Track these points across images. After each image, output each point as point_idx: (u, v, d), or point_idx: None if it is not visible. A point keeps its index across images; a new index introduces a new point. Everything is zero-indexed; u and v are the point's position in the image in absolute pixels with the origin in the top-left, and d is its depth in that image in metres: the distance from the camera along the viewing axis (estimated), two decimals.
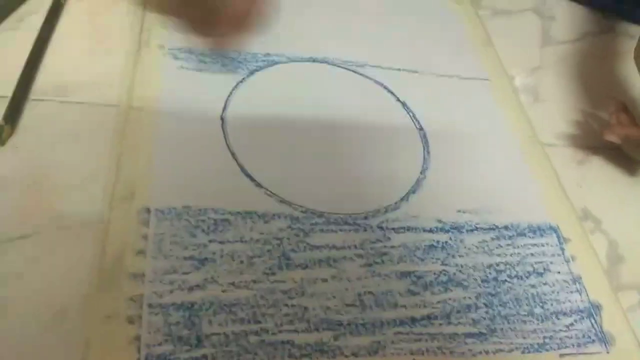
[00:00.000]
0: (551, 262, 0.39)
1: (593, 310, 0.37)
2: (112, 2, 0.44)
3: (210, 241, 0.33)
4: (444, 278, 0.36)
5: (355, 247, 0.35)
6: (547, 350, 0.34)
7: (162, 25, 0.43)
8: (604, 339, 0.36)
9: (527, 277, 0.37)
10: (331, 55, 0.47)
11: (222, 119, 0.39)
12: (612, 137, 0.46)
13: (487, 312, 0.35)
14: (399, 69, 0.48)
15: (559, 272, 0.38)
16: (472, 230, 0.39)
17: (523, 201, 0.42)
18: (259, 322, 0.31)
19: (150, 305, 0.30)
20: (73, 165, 0.34)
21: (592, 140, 0.49)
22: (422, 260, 0.36)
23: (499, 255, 0.38)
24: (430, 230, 0.38)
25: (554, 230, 0.41)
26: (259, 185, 0.37)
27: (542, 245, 0.39)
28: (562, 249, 0.40)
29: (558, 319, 0.36)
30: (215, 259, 0.33)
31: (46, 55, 0.39)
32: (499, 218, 0.40)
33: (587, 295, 0.38)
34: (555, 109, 0.51)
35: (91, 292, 0.30)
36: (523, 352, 0.34)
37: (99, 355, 0.28)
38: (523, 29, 0.59)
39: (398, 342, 0.32)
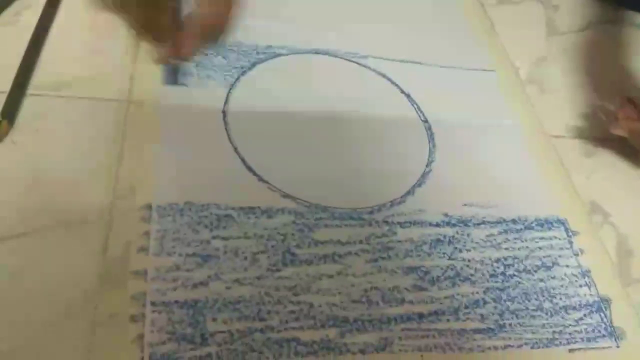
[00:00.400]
0: (559, 256, 0.38)
1: (602, 305, 0.36)
2: None
3: (213, 237, 0.33)
4: (451, 273, 0.35)
5: (361, 242, 0.35)
6: (556, 345, 0.34)
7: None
8: (614, 334, 0.35)
9: (535, 271, 0.37)
10: (334, 47, 0.46)
11: (223, 112, 0.39)
12: (619, 131, 0.45)
13: (495, 307, 0.34)
14: (402, 61, 0.47)
15: (567, 266, 0.38)
16: (479, 224, 0.38)
17: (530, 194, 0.41)
18: (264, 319, 0.30)
19: (153, 303, 0.29)
20: (73, 161, 0.34)
21: (600, 131, 0.48)
22: (429, 255, 0.36)
23: (506, 249, 0.37)
24: (437, 225, 0.37)
25: (562, 223, 0.40)
26: (262, 179, 0.36)
27: (551, 239, 0.39)
28: (571, 243, 0.39)
29: (567, 313, 0.35)
30: (218, 256, 0.32)
31: (44, 49, 0.39)
32: (506, 211, 0.39)
33: (597, 289, 0.37)
34: (562, 100, 0.50)
35: (93, 291, 0.29)
36: (532, 347, 0.33)
37: (103, 355, 0.27)
38: (528, 18, 0.58)
39: (405, 339, 0.31)
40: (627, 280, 0.39)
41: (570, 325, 0.35)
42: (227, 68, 0.42)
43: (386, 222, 0.36)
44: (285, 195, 0.36)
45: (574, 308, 0.36)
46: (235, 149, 0.37)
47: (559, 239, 0.39)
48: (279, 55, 0.44)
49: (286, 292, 0.32)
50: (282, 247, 0.33)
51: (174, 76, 0.36)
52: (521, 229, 0.39)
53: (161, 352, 0.28)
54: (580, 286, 0.37)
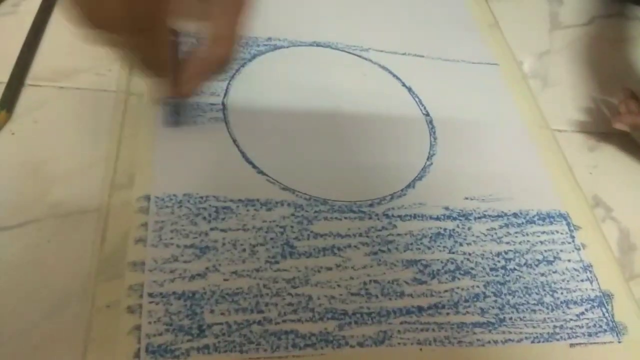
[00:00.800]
0: (561, 250, 0.38)
1: (604, 300, 0.36)
2: None
3: (211, 229, 0.32)
4: (451, 266, 0.35)
5: (361, 235, 0.35)
6: (557, 339, 0.33)
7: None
8: (616, 329, 0.35)
9: (536, 266, 0.36)
10: (334, 40, 0.46)
11: (223, 104, 0.38)
12: (621, 126, 0.45)
13: (495, 301, 0.34)
14: (404, 54, 0.47)
15: (569, 261, 0.37)
16: (480, 218, 0.38)
17: (532, 188, 0.41)
18: (262, 311, 0.30)
19: (150, 295, 0.29)
20: (71, 152, 0.34)
21: (603, 126, 0.48)
22: (429, 248, 0.35)
23: (507, 243, 0.37)
24: (437, 218, 0.37)
25: (564, 217, 0.40)
26: (261, 172, 0.36)
27: (552, 233, 0.39)
28: (573, 237, 0.39)
29: (568, 308, 0.35)
30: (217, 247, 0.32)
31: (43, 40, 0.39)
32: (507, 205, 0.39)
33: (598, 284, 0.37)
34: (565, 94, 0.50)
35: (90, 281, 0.29)
36: (533, 342, 0.33)
37: (99, 346, 0.27)
38: (531, 12, 0.58)
39: (404, 332, 0.31)
40: (629, 275, 0.38)
41: (571, 320, 0.35)
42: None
43: (386, 215, 0.36)
44: (285, 188, 0.35)
45: (575, 303, 0.35)
46: (235, 141, 0.37)
47: (561, 233, 0.39)
48: (280, 47, 0.44)
49: (285, 285, 0.31)
50: (281, 239, 0.33)
51: (174, 117, 0.35)
52: (522, 223, 0.38)
53: (158, 343, 0.28)
54: (582, 281, 0.37)
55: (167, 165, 0.34)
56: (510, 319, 0.33)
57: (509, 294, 0.35)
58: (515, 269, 0.36)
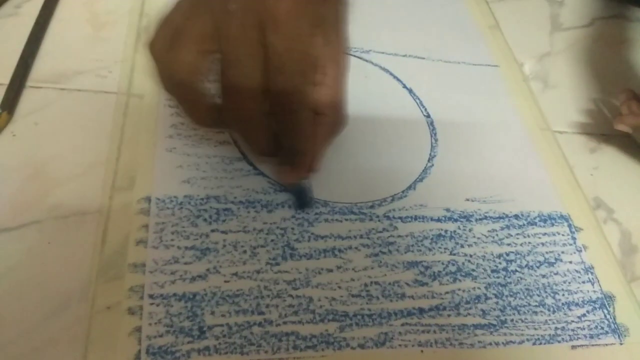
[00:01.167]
0: (562, 252, 0.38)
1: (606, 301, 0.36)
2: None
3: (212, 231, 0.32)
4: (452, 268, 0.35)
5: (361, 236, 0.35)
6: (558, 341, 0.33)
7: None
8: (617, 330, 0.35)
9: (538, 267, 0.36)
10: None
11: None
12: (623, 127, 0.44)
13: (497, 303, 0.34)
14: (405, 55, 0.47)
15: (570, 262, 0.37)
16: (481, 219, 0.38)
17: (533, 190, 0.41)
18: (263, 313, 0.30)
19: (151, 296, 0.29)
20: (72, 153, 0.34)
21: (604, 127, 0.48)
22: (430, 249, 0.35)
23: (509, 244, 0.37)
24: (438, 219, 0.37)
25: (566, 219, 0.40)
26: (262, 173, 0.36)
27: (553, 235, 0.38)
28: (574, 239, 0.39)
29: (570, 309, 0.35)
30: (217, 249, 0.32)
31: (44, 41, 0.39)
32: (508, 207, 0.39)
33: (600, 285, 0.37)
34: (566, 96, 0.50)
35: (91, 283, 0.29)
36: (534, 344, 0.33)
37: (100, 347, 0.27)
38: (531, 14, 0.58)
39: (405, 334, 0.31)
40: (631, 276, 0.38)
41: (573, 321, 0.34)
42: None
43: (387, 217, 0.36)
44: (285, 190, 0.35)
45: (577, 304, 0.35)
46: (236, 143, 0.37)
47: (562, 234, 0.39)
48: None
49: (285, 286, 0.31)
50: (281, 241, 0.33)
51: (302, 198, 0.34)
52: (524, 225, 0.38)
53: (158, 344, 0.28)
54: (584, 282, 0.37)
55: (168, 167, 0.34)
56: (512, 320, 0.33)
57: (510, 296, 0.34)
58: (516, 271, 0.36)
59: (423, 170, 0.39)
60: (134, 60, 0.39)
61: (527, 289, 0.35)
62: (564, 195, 0.41)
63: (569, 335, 0.34)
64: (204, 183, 0.34)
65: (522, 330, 0.33)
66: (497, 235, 0.37)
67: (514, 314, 0.34)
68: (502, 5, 0.56)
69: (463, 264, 0.35)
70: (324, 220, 0.35)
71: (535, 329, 0.33)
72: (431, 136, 0.42)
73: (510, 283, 0.35)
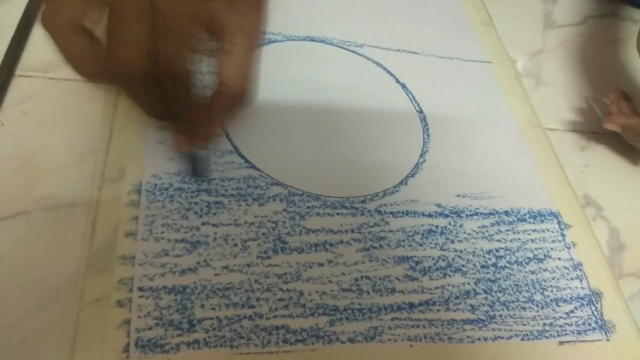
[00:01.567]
0: (552, 249, 0.38)
1: (594, 298, 0.36)
2: None
3: (203, 224, 0.32)
4: (442, 263, 0.35)
5: (353, 231, 0.35)
6: (546, 337, 0.34)
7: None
8: (605, 327, 0.35)
9: (527, 263, 0.37)
10: (329, 35, 0.46)
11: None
12: (612, 126, 0.45)
13: (486, 299, 0.34)
14: (398, 50, 0.47)
15: (559, 259, 0.38)
16: (471, 215, 0.38)
17: (524, 186, 0.41)
18: (253, 306, 0.30)
19: (140, 289, 0.29)
20: (61, 144, 0.33)
21: (595, 125, 0.48)
22: (421, 245, 0.35)
23: (498, 240, 0.37)
24: (429, 215, 0.37)
25: (555, 216, 0.40)
26: (253, 166, 0.36)
27: (543, 231, 0.39)
28: (563, 235, 0.39)
29: (558, 306, 0.35)
30: (208, 242, 0.32)
31: (33, 30, 0.38)
32: (499, 203, 0.39)
33: (588, 282, 0.37)
34: (558, 93, 0.50)
35: (80, 275, 0.29)
36: (522, 339, 0.33)
37: (88, 340, 0.27)
38: (525, 11, 0.58)
39: (395, 328, 0.31)
40: (619, 273, 0.39)
41: (560, 317, 0.35)
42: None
43: (378, 212, 0.36)
44: (277, 183, 0.35)
45: (565, 301, 0.36)
46: (227, 135, 0.37)
47: (552, 231, 0.39)
48: (274, 41, 0.43)
49: (276, 280, 0.31)
50: (272, 234, 0.33)
51: (196, 167, 0.33)
52: (514, 221, 0.39)
53: (147, 337, 0.27)
54: (572, 279, 0.37)
55: (158, 159, 0.34)
56: (501, 316, 0.34)
57: (500, 292, 0.35)
58: (505, 267, 0.36)
59: (415, 166, 0.39)
60: None
61: (516, 285, 0.35)
62: (554, 192, 0.41)
63: (557, 331, 0.34)
64: (196, 176, 0.34)
65: (511, 325, 0.33)
66: (487, 231, 0.37)
67: (502, 309, 0.34)
68: (496, 2, 0.56)
69: (453, 259, 0.35)
70: (315, 214, 0.35)
71: (524, 324, 0.34)
72: (423, 132, 0.42)
73: (500, 279, 0.35)
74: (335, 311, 0.31)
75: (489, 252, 0.36)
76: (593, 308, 0.36)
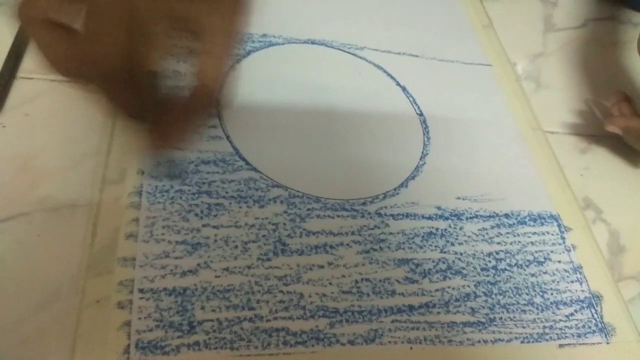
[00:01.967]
0: (552, 251, 0.38)
1: (593, 301, 0.36)
2: None
3: (203, 226, 0.32)
4: (442, 266, 0.35)
5: (353, 233, 0.35)
6: (546, 340, 0.34)
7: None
8: (604, 330, 0.35)
9: (527, 266, 0.37)
10: (330, 38, 0.46)
11: (217, 100, 0.38)
12: (614, 129, 0.45)
13: (486, 301, 0.34)
14: (399, 53, 0.47)
15: (559, 262, 0.38)
16: (471, 218, 0.38)
17: (524, 189, 0.41)
18: (253, 308, 0.30)
19: (141, 290, 0.29)
20: (62, 145, 0.33)
21: (595, 128, 0.48)
22: (421, 247, 0.35)
23: (498, 243, 0.37)
24: (429, 217, 0.37)
25: (555, 219, 0.40)
26: (254, 168, 0.36)
27: (543, 234, 0.39)
28: (563, 238, 0.39)
29: (558, 308, 0.35)
30: (208, 244, 0.32)
31: None
32: (499, 206, 0.39)
33: (588, 285, 0.37)
34: (558, 96, 0.50)
35: (80, 276, 0.29)
36: (522, 342, 0.33)
37: (88, 341, 0.27)
38: (525, 14, 0.58)
39: (395, 331, 0.31)
40: (619, 276, 0.39)
41: (560, 320, 0.35)
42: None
43: (379, 214, 0.36)
44: (278, 185, 0.35)
45: (565, 303, 0.36)
46: (228, 137, 0.37)
47: (552, 234, 0.39)
48: (275, 44, 0.44)
49: (276, 282, 0.31)
50: (273, 236, 0.33)
51: (171, 169, 0.33)
52: (514, 224, 0.39)
53: (148, 339, 0.27)
54: (572, 282, 0.37)
55: (159, 160, 0.34)
56: (500, 319, 0.34)
57: (500, 294, 0.35)
58: (506, 269, 0.36)
59: (415, 168, 0.40)
60: None
61: (516, 288, 0.35)
62: (554, 195, 0.42)
63: (557, 334, 0.34)
64: (196, 177, 0.34)
65: (511, 328, 0.33)
66: (487, 233, 0.37)
67: (502, 312, 0.34)
68: (496, 5, 0.56)
69: (453, 262, 0.35)
70: (315, 216, 0.35)
71: (524, 327, 0.34)
72: (424, 134, 0.42)
73: (500, 282, 0.35)
74: (335, 313, 0.31)
75: (489, 254, 0.36)
76: (593, 311, 0.36)
